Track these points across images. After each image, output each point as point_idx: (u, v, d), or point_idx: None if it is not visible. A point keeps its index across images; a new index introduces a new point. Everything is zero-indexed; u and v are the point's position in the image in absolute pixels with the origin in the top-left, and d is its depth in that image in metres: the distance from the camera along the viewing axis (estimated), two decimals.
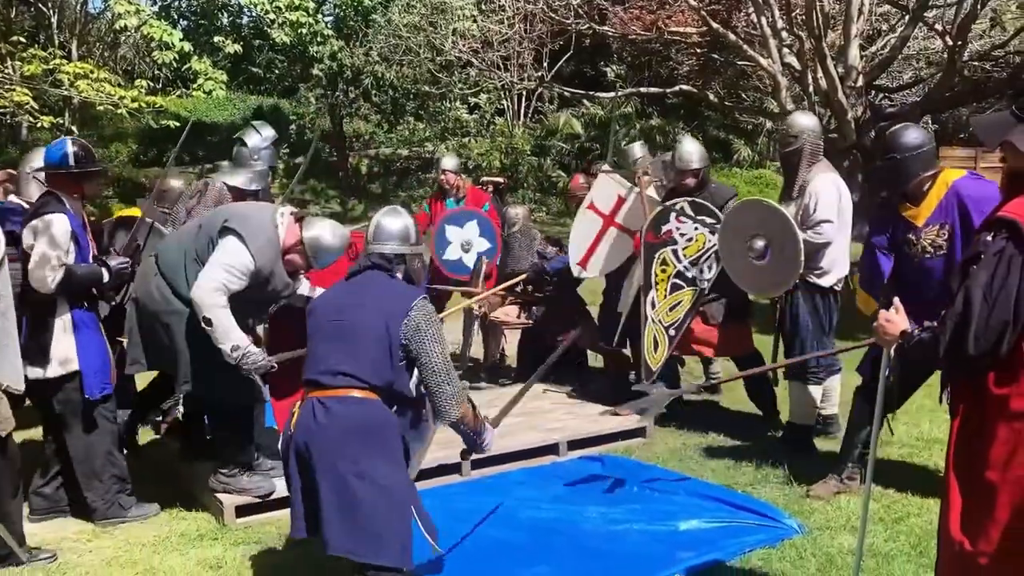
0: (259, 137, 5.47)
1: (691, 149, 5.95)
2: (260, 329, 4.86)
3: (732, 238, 5.25)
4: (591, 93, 17.76)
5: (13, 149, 15.81)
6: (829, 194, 5.09)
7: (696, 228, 5.57)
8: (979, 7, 11.98)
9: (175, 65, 15.64)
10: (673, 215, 5.65)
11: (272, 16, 16.53)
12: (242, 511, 4.43)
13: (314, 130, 20.33)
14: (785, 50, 13.19)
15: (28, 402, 4.51)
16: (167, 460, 5.29)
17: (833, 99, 12.09)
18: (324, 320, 3.31)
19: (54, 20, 14.81)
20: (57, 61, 12.56)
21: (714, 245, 5.49)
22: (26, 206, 4.57)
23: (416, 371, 3.28)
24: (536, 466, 5.25)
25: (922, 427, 5.58)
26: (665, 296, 5.73)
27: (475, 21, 17.34)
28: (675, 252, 5.69)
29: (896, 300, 2.82)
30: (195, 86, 15.16)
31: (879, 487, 4.52)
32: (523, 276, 6.86)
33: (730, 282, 5.44)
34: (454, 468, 5.00)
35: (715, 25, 13.57)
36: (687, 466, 5.17)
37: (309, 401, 3.20)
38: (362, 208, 19.62)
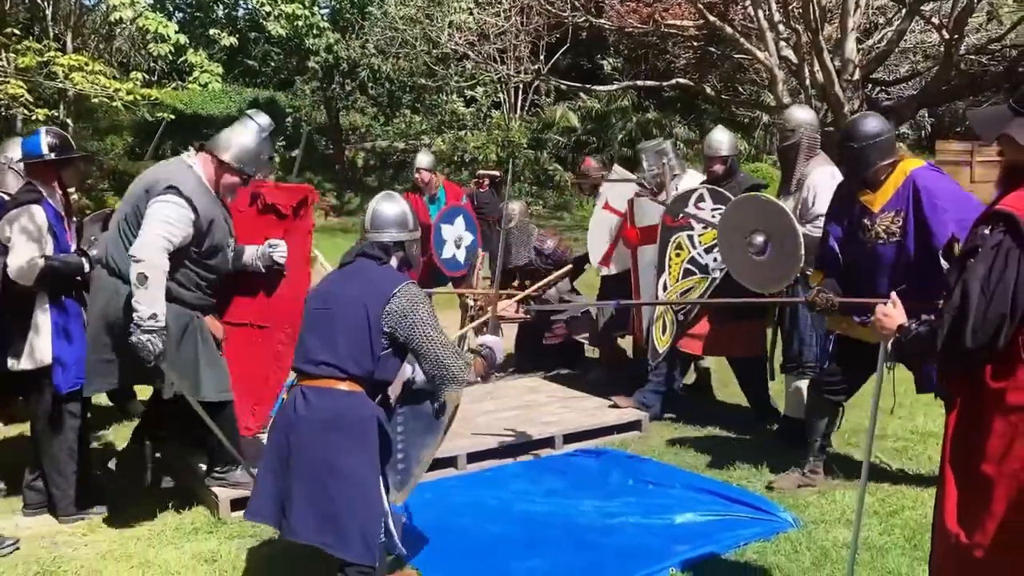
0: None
1: (721, 137, 5.96)
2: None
3: (732, 234, 5.22)
4: (588, 86, 17.72)
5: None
6: (827, 187, 5.05)
7: (713, 216, 5.56)
8: (975, 1, 11.97)
9: (171, 58, 15.57)
10: (692, 201, 5.65)
11: (268, 8, 16.50)
12: (237, 504, 4.42)
13: (310, 123, 20.30)
14: (782, 43, 13.17)
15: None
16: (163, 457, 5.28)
17: (830, 92, 12.08)
18: (311, 308, 3.32)
19: (48, 12, 14.72)
20: (52, 53, 12.48)
21: None
22: (6, 198, 4.55)
23: (411, 356, 3.28)
24: (532, 459, 5.26)
25: (917, 421, 5.59)
26: (677, 280, 5.72)
27: (471, 13, 17.30)
28: (691, 238, 5.68)
29: (894, 295, 2.82)
30: (191, 79, 15.09)
31: (873, 481, 4.52)
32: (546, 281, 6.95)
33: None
34: (450, 462, 5.00)
35: (712, 18, 13.54)
36: (683, 460, 5.18)
37: (295, 389, 3.23)
38: (358, 201, 19.60)
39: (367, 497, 3.12)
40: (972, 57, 14.21)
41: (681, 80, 16.55)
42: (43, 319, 4.29)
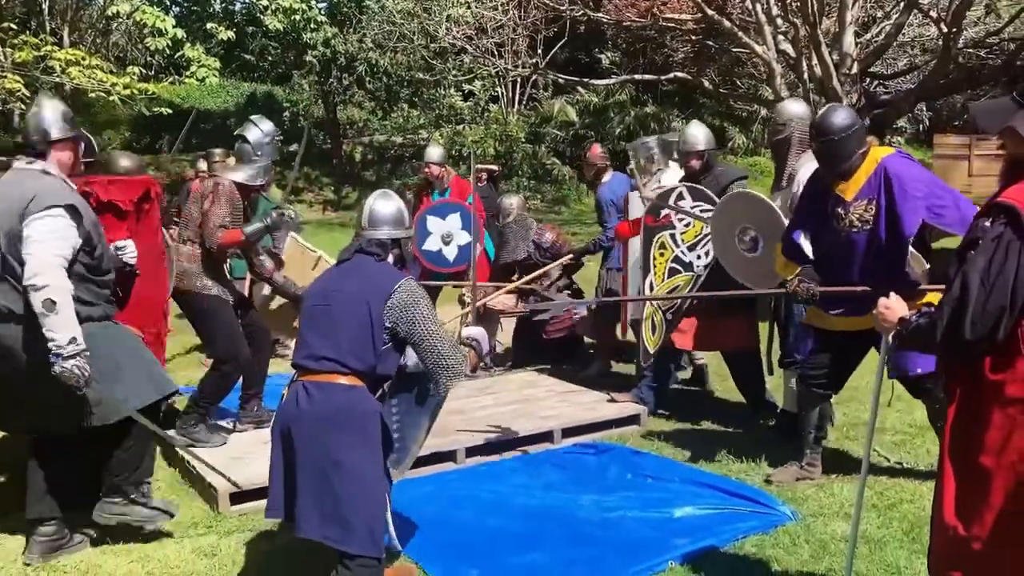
0: (260, 132, 5.46)
1: (696, 132, 5.94)
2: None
3: (724, 231, 5.23)
4: (586, 80, 17.73)
5: (5, 136, 15.72)
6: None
7: (695, 211, 5.56)
8: None
9: (168, 52, 15.57)
10: (672, 199, 5.64)
11: (265, 3, 16.46)
12: (236, 499, 4.43)
13: (308, 117, 20.26)
14: (780, 37, 13.18)
15: None
16: (163, 449, 5.28)
17: (828, 86, 12.09)
18: (310, 305, 3.35)
19: (45, 6, 14.71)
20: (48, 48, 12.48)
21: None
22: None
23: (410, 350, 3.32)
24: (530, 453, 5.26)
25: (915, 414, 5.59)
26: (663, 280, 5.73)
27: (469, 7, 17.29)
28: (673, 236, 5.69)
29: (894, 295, 2.82)
30: (188, 73, 15.10)
31: (871, 474, 4.53)
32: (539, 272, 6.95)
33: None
34: (449, 456, 5.01)
35: (710, 12, 13.53)
36: (681, 453, 5.18)
37: (296, 384, 3.23)
38: (356, 196, 19.59)
39: (371, 491, 3.14)
40: (970, 51, 14.24)
41: (679, 74, 16.56)
42: None
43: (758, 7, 12.65)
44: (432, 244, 7.32)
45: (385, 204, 3.45)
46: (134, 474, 4.01)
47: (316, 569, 3.51)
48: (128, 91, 12.77)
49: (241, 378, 5.41)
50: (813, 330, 4.73)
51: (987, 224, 2.42)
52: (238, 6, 21.74)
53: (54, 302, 3.50)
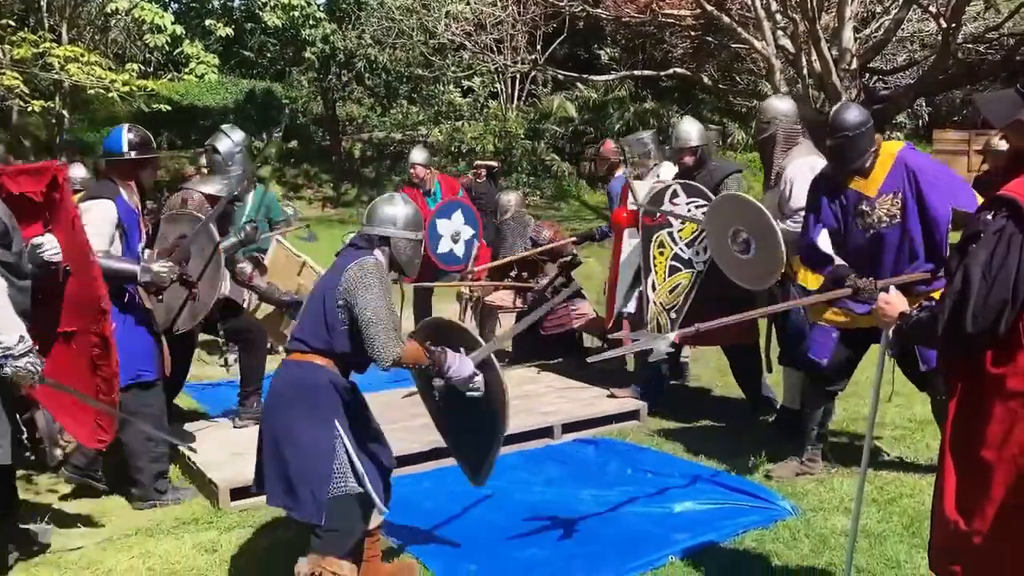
0: (230, 142, 5.46)
1: (689, 128, 5.92)
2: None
3: (717, 234, 5.18)
4: (585, 76, 17.67)
5: (3, 133, 15.70)
6: (803, 179, 4.86)
7: (689, 210, 5.55)
8: None
9: (166, 48, 15.53)
10: (667, 197, 5.64)
11: None
12: (236, 495, 4.44)
13: (307, 114, 20.22)
14: (779, 32, 13.15)
15: None
16: None
17: (827, 82, 12.06)
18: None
19: (44, 3, 14.65)
20: (47, 44, 12.45)
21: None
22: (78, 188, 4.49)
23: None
24: (530, 449, 5.26)
25: (915, 409, 5.59)
26: (664, 278, 5.72)
27: (468, 3, 17.25)
28: (671, 234, 5.69)
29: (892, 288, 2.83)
30: (187, 70, 15.06)
31: (871, 469, 4.53)
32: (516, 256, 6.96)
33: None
34: (448, 452, 5.00)
35: (709, 7, 13.49)
36: (681, 449, 5.19)
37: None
38: (355, 192, 19.56)
39: (316, 459, 3.24)
40: (970, 46, 14.20)
41: (678, 70, 16.53)
42: None
43: (757, 3, 12.60)
44: (444, 246, 7.50)
45: (384, 204, 3.53)
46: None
47: None
48: (127, 88, 12.75)
49: (240, 376, 5.42)
50: (819, 329, 4.64)
51: (989, 217, 2.42)
52: (237, 2, 21.68)
53: None
